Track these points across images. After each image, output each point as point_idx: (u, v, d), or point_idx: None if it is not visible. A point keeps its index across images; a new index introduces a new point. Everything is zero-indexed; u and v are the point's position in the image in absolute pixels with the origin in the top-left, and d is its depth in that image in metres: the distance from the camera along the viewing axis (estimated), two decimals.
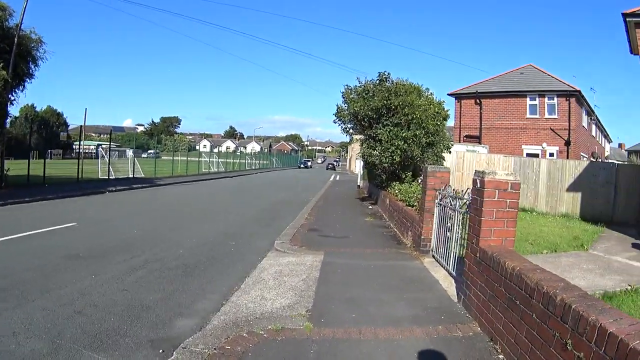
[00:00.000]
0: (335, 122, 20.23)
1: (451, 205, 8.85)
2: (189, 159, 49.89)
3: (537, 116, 31.70)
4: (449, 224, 8.93)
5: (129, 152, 36.36)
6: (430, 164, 19.36)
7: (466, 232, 7.00)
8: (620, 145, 79.99)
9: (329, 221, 15.55)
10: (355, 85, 19.88)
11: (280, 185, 39.59)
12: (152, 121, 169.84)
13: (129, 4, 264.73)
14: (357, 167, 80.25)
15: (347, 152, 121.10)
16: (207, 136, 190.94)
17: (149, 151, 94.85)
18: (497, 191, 5.97)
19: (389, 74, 19.29)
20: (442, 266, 9.14)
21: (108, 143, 38.95)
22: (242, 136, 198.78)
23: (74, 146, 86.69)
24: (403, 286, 7.80)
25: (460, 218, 8.20)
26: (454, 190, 9.36)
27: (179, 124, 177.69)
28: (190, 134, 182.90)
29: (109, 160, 33.63)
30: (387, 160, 17.56)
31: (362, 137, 20.52)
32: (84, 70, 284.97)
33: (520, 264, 4.93)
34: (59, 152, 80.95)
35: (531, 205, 21.74)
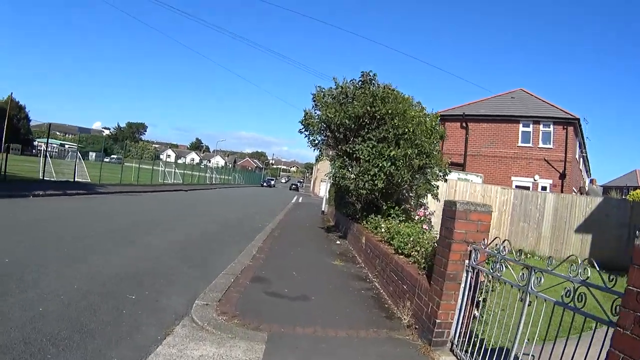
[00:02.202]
0: (301, 132, 15.96)
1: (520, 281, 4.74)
2: (153, 167, 47.34)
3: (530, 145, 28.65)
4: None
5: (74, 154, 32.79)
6: (417, 194, 15.59)
7: None
8: (592, 181, 77.40)
9: (283, 263, 11.12)
10: (331, 88, 15.68)
11: (237, 203, 35.08)
12: (118, 125, 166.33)
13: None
14: (322, 190, 78.30)
15: (311, 173, 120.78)
16: (172, 146, 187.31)
17: (112, 156, 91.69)
18: None
19: (374, 74, 15.16)
20: None
21: (73, 143, 35.42)
22: (207, 149, 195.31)
23: (35, 142, 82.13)
24: None
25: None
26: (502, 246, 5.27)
27: (145, 130, 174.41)
28: (157, 143, 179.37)
29: (43, 161, 29.12)
30: (367, 185, 13.40)
31: (334, 153, 16.28)
32: (56, 66, 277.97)
33: None
34: (18, 147, 76.15)
35: (532, 248, 18.74)
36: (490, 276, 5.40)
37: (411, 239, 9.28)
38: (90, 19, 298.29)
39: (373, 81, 15.00)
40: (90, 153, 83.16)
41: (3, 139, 23.71)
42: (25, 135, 69.79)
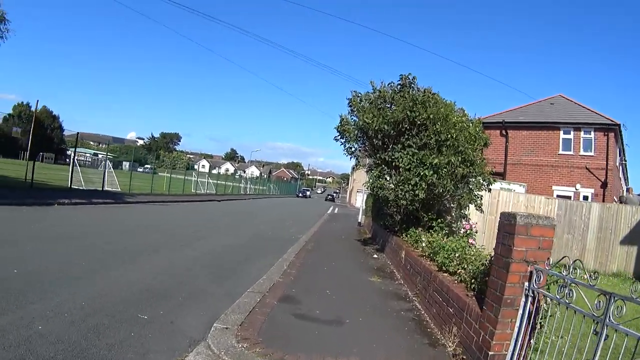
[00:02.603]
0: (336, 140, 15.15)
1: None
2: (185, 177, 47.67)
3: (571, 153, 27.30)
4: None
5: (109, 164, 32.91)
6: (459, 205, 14.67)
7: None
8: (628, 189, 74.93)
9: (316, 280, 10.32)
10: (368, 92, 14.83)
11: (271, 214, 34.54)
12: (152, 136, 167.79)
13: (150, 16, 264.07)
14: (359, 200, 77.33)
15: (348, 184, 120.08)
16: (207, 156, 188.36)
17: (146, 166, 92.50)
18: None
19: (414, 77, 14.24)
20: None
21: (105, 153, 35.68)
22: (242, 159, 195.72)
23: (68, 152, 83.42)
24: None
25: None
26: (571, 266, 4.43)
27: (179, 141, 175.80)
28: (192, 153, 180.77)
29: (71, 169, 29.06)
30: (407, 195, 12.53)
31: (371, 161, 15.42)
32: (93, 77, 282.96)
33: None
34: (51, 156, 77.14)
35: None
36: (556, 302, 4.51)
37: (457, 254, 8.41)
38: (125, 32, 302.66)
39: (412, 85, 14.13)
40: (124, 163, 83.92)
41: (28, 145, 23.96)
42: (59, 144, 70.63)
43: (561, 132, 27.55)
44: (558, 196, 24.97)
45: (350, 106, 14.83)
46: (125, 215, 20.00)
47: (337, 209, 58.55)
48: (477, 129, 13.93)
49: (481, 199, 14.34)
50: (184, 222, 20.38)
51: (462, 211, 14.40)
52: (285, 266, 11.57)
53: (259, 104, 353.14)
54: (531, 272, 4.96)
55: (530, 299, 4.93)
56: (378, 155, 13.89)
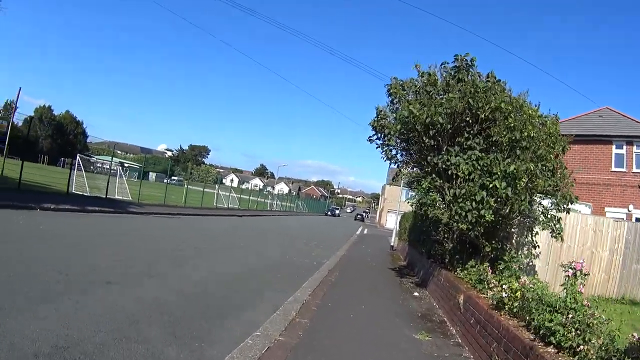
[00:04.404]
0: (371, 141, 11.85)
1: None
2: (204, 190, 44.38)
3: (624, 170, 24.07)
4: None
5: (120, 171, 30.80)
6: (529, 229, 11.19)
7: None
8: None
9: (335, 340, 6.90)
10: (412, 78, 11.42)
11: (294, 234, 31.06)
12: (181, 148, 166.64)
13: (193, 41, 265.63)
14: (390, 221, 74.04)
15: (377, 204, 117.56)
16: (236, 171, 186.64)
17: (173, 178, 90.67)
18: None
19: (472, 59, 10.77)
20: None
21: (131, 162, 34.10)
22: (272, 176, 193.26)
23: (91, 159, 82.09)
24: None
25: None
26: None
27: (208, 154, 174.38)
28: (221, 167, 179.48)
29: (70, 174, 26.86)
30: (469, 217, 9.07)
31: (416, 170, 11.95)
32: (125, 87, 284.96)
33: None
34: (71, 161, 75.33)
35: None
36: None
37: (569, 316, 4.96)
38: (156, 46, 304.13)
39: (471, 68, 10.66)
40: (150, 173, 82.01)
41: (44, 147, 21.52)
42: (82, 150, 68.45)
43: (614, 146, 24.44)
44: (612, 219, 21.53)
45: (390, 95, 11.45)
46: (105, 226, 16.83)
47: (366, 230, 55.33)
48: (555, 128, 10.51)
49: (559, 222, 10.79)
50: (186, 240, 17.00)
51: (525, 237, 10.97)
52: (294, 312, 8.13)
53: (291, 121, 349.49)
54: None
55: None
56: (428, 160, 10.35)
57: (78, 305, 6.46)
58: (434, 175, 10.15)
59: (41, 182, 25.85)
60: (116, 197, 28.40)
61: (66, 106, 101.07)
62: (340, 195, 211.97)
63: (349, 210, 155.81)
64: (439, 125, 9.80)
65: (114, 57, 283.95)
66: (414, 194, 10.98)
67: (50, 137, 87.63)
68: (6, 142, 17.06)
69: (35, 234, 12.17)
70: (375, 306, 9.74)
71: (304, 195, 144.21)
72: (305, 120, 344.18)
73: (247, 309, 8.13)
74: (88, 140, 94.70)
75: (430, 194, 9.95)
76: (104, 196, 27.14)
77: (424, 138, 10.23)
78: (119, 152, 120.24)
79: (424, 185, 10.09)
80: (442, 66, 10.97)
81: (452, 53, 12.82)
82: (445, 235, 10.74)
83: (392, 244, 29.15)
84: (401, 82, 11.37)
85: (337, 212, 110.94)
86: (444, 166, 9.71)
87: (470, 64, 10.68)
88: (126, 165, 70.72)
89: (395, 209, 72.11)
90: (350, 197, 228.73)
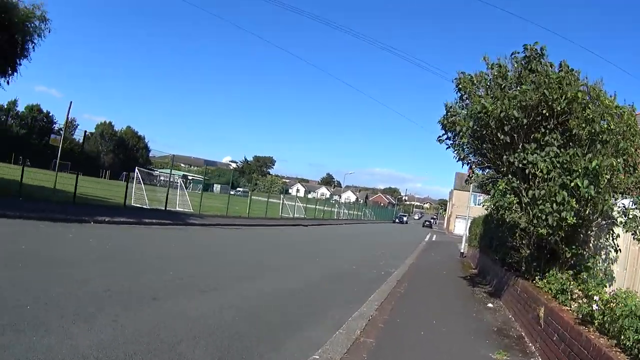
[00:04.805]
0: (440, 141, 11.10)
1: None
2: (268, 200, 43.86)
3: None
4: None
5: (181, 183, 30.88)
6: (610, 232, 10.15)
7: None
8: None
9: (408, 355, 6.36)
10: (481, 72, 10.62)
11: (361, 243, 30.48)
12: (245, 159, 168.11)
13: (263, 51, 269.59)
14: (458, 227, 72.40)
15: (445, 210, 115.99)
16: (302, 181, 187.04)
17: (238, 189, 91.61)
18: None
19: (542, 47, 9.85)
20: None
21: (194, 174, 34.68)
22: (339, 184, 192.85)
23: (154, 172, 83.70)
24: None
25: None
26: None
27: (273, 164, 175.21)
28: (287, 177, 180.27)
29: (126, 187, 26.88)
30: (549, 220, 8.18)
31: (489, 172, 11.03)
32: (188, 102, 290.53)
33: None
34: (137, 175, 76.83)
35: None
36: None
37: None
38: (224, 60, 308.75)
39: (542, 58, 9.74)
40: (215, 185, 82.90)
41: (105, 162, 21.52)
42: (145, 164, 70.03)
43: None
44: None
45: (459, 90, 10.65)
46: (159, 238, 16.76)
47: (435, 236, 54.22)
48: (634, 120, 9.50)
49: None
50: (233, 250, 16.65)
51: (606, 240, 9.94)
52: (358, 330, 7.46)
53: (358, 129, 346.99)
54: None
55: None
56: (503, 159, 9.46)
57: (116, 324, 6.01)
58: (509, 176, 9.28)
59: (99, 196, 26.19)
60: (177, 209, 28.49)
61: (131, 123, 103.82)
62: (408, 202, 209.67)
63: (416, 217, 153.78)
64: (513, 120, 8.92)
65: (181, 74, 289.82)
66: (485, 197, 10.12)
67: (112, 152, 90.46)
68: (58, 156, 17.07)
69: (82, 247, 11.91)
70: (447, 321, 8.96)
71: (371, 203, 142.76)
72: (373, 127, 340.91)
73: (308, 326, 7.54)
74: (151, 154, 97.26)
75: (507, 196, 9.07)
76: (164, 208, 27.28)
77: (499, 134, 9.33)
78: (182, 165, 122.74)
79: (500, 187, 9.17)
80: (512, 57, 10.08)
81: (509, 46, 11.86)
82: (523, 241, 9.83)
83: (461, 250, 28.03)
84: (470, 76, 10.56)
85: (405, 219, 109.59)
86: (520, 165, 8.84)
87: (540, 53, 9.77)
88: (190, 177, 71.81)
89: (463, 214, 70.90)
90: (418, 203, 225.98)
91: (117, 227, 17.23)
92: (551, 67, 9.70)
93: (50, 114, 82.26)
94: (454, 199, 79.85)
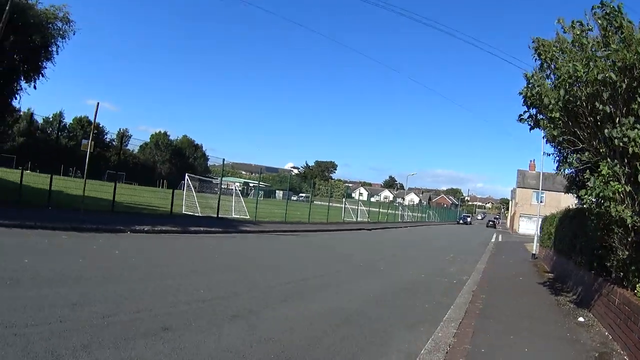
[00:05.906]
0: (521, 120, 9.56)
1: None
2: (329, 204, 44.60)
3: None
4: None
5: (255, 192, 30.46)
6: None
7: None
8: None
9: None
10: (559, 35, 8.99)
11: (427, 246, 29.06)
12: (307, 164, 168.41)
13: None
14: (523, 226, 69.74)
15: (507, 209, 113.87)
16: (365, 184, 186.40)
17: (301, 194, 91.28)
18: None
19: (618, 5, 8.10)
20: None
21: (255, 181, 34.89)
22: (401, 187, 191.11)
23: (213, 181, 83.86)
24: None
25: None
26: None
27: (335, 169, 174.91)
28: (350, 182, 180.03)
29: (172, 195, 26.55)
30: None
31: (579, 158, 9.14)
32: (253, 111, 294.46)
33: None
34: (194, 184, 77.01)
35: None
36: None
37: None
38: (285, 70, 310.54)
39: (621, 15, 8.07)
40: (277, 191, 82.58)
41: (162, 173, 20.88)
42: (203, 173, 70.04)
43: None
44: None
45: (540, 57, 9.00)
46: (190, 249, 14.98)
47: (500, 237, 51.99)
48: None
49: None
50: (281, 260, 15.25)
51: None
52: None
53: (420, 130, 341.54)
54: None
55: None
56: (604, 135, 7.61)
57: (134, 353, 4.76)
58: (607, 159, 7.47)
59: (147, 204, 26.51)
60: (233, 216, 27.81)
61: (191, 134, 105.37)
62: (470, 203, 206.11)
63: (479, 217, 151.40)
64: (612, 86, 7.20)
65: (251, 84, 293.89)
66: (591, 183, 8.27)
67: (168, 161, 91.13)
68: (87, 162, 16.32)
69: (99, 261, 10.64)
70: (540, 348, 7.18)
71: (434, 205, 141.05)
72: (434, 127, 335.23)
73: None
74: (209, 163, 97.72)
75: (612, 183, 7.24)
76: (215, 215, 26.56)
77: (596, 103, 7.56)
78: (243, 172, 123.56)
79: (603, 172, 7.33)
80: (593, 13, 8.33)
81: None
82: (623, 241, 8.02)
83: (533, 252, 26.03)
84: (549, 43, 8.99)
85: (469, 219, 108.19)
86: (620, 143, 7.05)
87: (618, 10, 8.06)
88: (251, 185, 71.60)
89: (528, 213, 68.67)
90: (480, 203, 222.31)
91: (156, 237, 16.37)
92: (630, 24, 8.05)
93: (101, 125, 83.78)
94: (517, 197, 77.02)
